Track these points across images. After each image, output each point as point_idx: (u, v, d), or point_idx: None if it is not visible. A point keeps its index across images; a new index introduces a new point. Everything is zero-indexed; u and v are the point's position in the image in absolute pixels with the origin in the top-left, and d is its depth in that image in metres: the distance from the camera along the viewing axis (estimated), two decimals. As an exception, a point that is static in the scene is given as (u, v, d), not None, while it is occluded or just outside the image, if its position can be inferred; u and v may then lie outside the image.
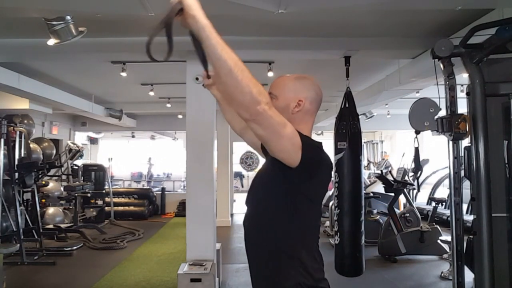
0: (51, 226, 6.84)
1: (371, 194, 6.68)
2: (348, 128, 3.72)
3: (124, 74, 4.74)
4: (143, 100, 7.43)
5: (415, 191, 8.28)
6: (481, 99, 2.62)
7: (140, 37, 3.80)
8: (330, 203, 6.46)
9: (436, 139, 7.79)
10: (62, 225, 6.96)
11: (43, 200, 7.17)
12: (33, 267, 5.22)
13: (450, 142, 2.82)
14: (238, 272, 5.11)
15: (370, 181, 8.90)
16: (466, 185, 2.86)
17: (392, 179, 6.32)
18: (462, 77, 3.61)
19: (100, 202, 8.70)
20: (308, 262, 1.35)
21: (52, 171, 8.03)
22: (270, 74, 4.62)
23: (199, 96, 3.98)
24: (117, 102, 8.06)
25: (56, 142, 8.82)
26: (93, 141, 14.02)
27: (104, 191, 9.03)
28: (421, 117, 2.84)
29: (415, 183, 6.17)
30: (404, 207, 6.62)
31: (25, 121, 7.12)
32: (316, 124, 9.69)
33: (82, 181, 8.65)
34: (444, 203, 7.16)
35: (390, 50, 4.11)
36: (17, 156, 6.03)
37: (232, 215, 9.16)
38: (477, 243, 2.61)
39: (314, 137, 1.46)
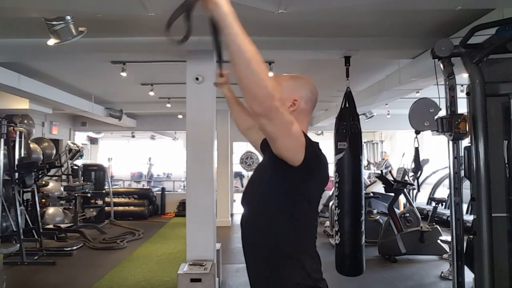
0: (51, 226, 6.84)
1: (371, 194, 6.68)
2: (348, 128, 3.73)
3: (124, 74, 4.73)
4: (143, 100, 7.42)
5: (415, 191, 8.27)
6: (481, 99, 2.63)
7: (140, 37, 3.82)
8: (330, 203, 6.47)
9: (436, 139, 7.79)
10: (62, 225, 6.96)
11: (43, 200, 7.17)
12: (33, 267, 5.22)
13: (450, 142, 2.82)
14: (238, 272, 5.11)
15: (370, 181, 8.90)
16: (466, 185, 2.86)
17: (392, 179, 6.32)
18: (462, 77, 3.61)
19: (100, 202, 8.69)
20: (307, 262, 1.35)
21: (52, 171, 8.03)
22: (270, 74, 4.60)
23: (199, 96, 3.99)
24: (117, 102, 8.06)
25: (56, 142, 8.82)
26: (93, 141, 14.01)
27: (104, 191, 9.02)
28: (421, 117, 2.84)
29: (415, 183, 6.16)
30: (404, 207, 6.62)
31: (25, 121, 7.12)
32: (316, 124, 9.70)
33: (82, 181, 8.65)
34: (444, 203, 7.16)
35: (390, 50, 4.11)
36: (17, 156, 6.03)
37: (232, 215, 9.16)
38: (477, 243, 2.62)
39: (314, 137, 1.46)
